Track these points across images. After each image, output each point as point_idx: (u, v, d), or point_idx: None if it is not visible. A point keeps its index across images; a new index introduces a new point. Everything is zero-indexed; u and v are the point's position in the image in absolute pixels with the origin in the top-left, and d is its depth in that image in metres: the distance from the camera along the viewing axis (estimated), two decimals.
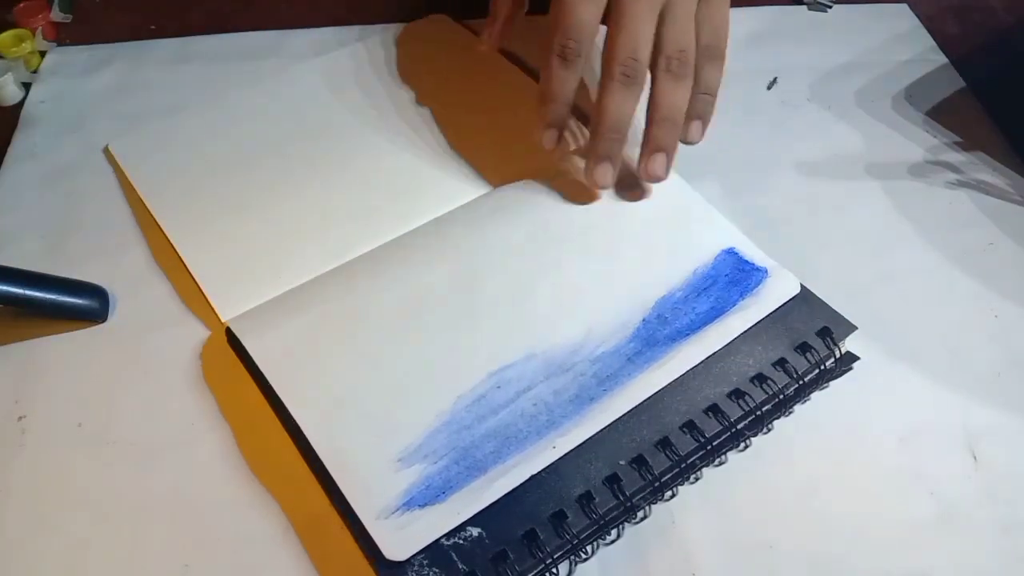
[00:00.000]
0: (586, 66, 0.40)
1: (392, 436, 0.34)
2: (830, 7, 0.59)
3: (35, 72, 0.53)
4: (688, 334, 0.37)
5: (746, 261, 0.40)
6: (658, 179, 0.41)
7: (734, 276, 0.39)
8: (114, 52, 0.54)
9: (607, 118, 0.40)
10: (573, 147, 0.46)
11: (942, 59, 0.56)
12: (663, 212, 0.42)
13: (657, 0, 0.40)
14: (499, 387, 0.35)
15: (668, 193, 0.43)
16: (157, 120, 0.49)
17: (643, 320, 0.37)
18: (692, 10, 0.41)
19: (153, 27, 0.56)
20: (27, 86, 0.52)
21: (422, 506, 0.31)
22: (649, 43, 0.40)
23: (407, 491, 0.32)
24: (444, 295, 0.38)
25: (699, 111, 0.42)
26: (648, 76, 0.40)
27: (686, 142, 0.42)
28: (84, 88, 0.52)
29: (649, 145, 0.41)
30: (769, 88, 0.50)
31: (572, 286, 0.39)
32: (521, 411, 0.34)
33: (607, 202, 0.42)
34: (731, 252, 0.40)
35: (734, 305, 0.38)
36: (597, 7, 0.40)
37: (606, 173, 0.41)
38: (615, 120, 0.40)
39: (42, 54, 0.54)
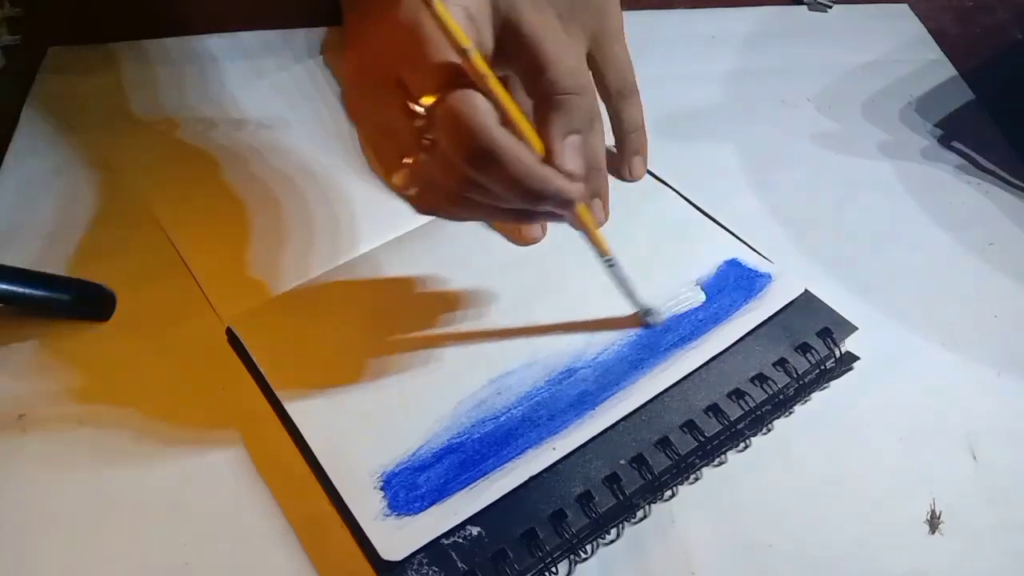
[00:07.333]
0: None
1: (392, 439, 0.34)
2: (830, 7, 0.59)
3: (14, 37, 0.53)
4: (690, 339, 0.37)
5: (749, 269, 0.39)
6: (601, 224, 0.41)
7: (738, 283, 0.39)
8: (114, 52, 0.54)
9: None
10: None
11: (942, 58, 0.56)
12: (663, 229, 0.42)
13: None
14: (499, 393, 0.35)
15: (667, 210, 0.43)
16: (157, 119, 0.49)
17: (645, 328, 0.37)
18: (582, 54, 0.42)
19: (153, 27, 0.56)
20: (6, 51, 0.52)
21: (420, 508, 0.31)
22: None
23: (405, 494, 0.32)
24: (447, 301, 0.38)
25: (635, 148, 0.44)
26: None
27: (632, 178, 0.44)
28: (84, 88, 0.51)
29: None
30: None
31: (574, 294, 0.39)
32: (522, 416, 0.34)
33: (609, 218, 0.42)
34: (733, 263, 0.40)
35: (737, 309, 0.38)
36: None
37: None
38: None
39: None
